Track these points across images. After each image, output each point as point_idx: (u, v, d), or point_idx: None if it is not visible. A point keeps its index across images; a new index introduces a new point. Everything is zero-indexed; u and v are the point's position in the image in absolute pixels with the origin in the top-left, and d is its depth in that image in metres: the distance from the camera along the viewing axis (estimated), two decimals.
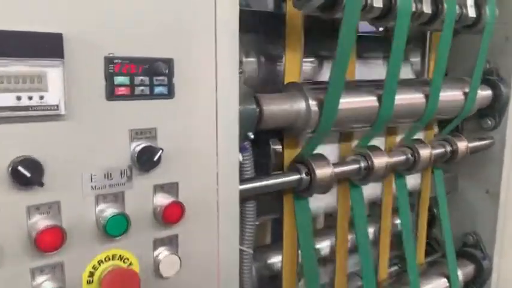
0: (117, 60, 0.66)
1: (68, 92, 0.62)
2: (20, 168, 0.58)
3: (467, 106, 1.25)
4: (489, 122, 1.42)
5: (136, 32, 0.68)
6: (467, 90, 1.26)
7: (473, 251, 1.49)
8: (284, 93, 0.95)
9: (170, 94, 0.72)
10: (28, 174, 0.59)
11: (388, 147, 1.24)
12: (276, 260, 1.16)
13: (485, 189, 1.47)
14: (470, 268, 1.47)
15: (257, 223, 1.05)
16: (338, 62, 0.90)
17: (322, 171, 0.98)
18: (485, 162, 1.46)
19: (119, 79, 0.67)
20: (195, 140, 0.76)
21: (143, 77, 0.69)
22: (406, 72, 1.32)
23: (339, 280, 1.22)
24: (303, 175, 0.98)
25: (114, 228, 0.67)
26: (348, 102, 1.00)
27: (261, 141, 1.04)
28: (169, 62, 0.71)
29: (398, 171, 1.22)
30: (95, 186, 0.67)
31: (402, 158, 1.17)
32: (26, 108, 0.59)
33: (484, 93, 1.35)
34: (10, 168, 0.59)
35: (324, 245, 1.28)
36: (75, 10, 0.62)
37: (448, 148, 1.28)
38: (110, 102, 0.67)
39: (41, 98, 0.60)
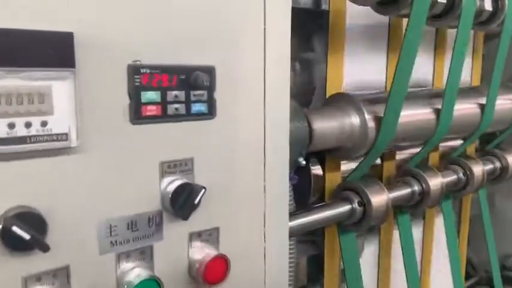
0: (144, 70, 0.49)
1: (81, 114, 0.44)
2: (14, 228, 0.40)
3: None
4: None
5: (168, 32, 0.50)
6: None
7: None
8: (333, 107, 0.79)
9: (211, 113, 0.54)
10: (27, 236, 0.40)
11: (432, 166, 1.08)
12: None
13: None
14: None
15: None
16: (402, 67, 0.74)
17: (377, 199, 0.81)
18: None
19: (147, 95, 0.49)
20: (239, 171, 0.59)
21: (178, 91, 0.51)
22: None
23: None
24: (355, 205, 0.81)
25: None
26: (406, 115, 0.84)
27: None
28: (210, 72, 0.53)
29: (447, 193, 1.06)
30: (116, 242, 0.49)
31: (454, 177, 1.02)
32: (23, 140, 0.41)
33: None
34: (0, 227, 0.41)
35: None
36: (89, 2, 0.45)
37: (497, 164, 1.14)
38: (135, 127, 0.49)
39: (44, 124, 0.42)
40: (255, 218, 0.62)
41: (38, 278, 0.45)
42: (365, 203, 0.80)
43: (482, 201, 1.21)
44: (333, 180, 0.88)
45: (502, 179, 1.15)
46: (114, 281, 0.50)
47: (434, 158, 1.10)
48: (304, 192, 0.87)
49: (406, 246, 0.98)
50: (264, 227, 0.63)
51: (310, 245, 0.93)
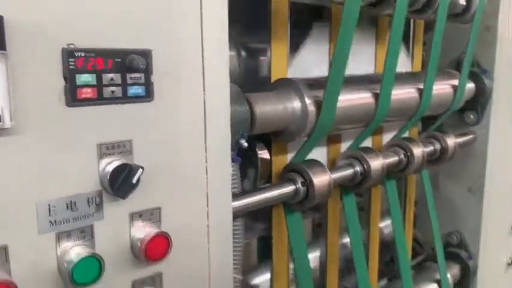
0: (79, 53, 0.50)
1: (16, 97, 0.45)
2: None
3: (457, 100, 1.18)
4: (471, 117, 1.36)
5: (104, 16, 0.52)
6: (454, 83, 1.18)
7: (458, 251, 1.43)
8: (276, 92, 0.82)
9: (149, 95, 0.56)
10: None
11: (375, 148, 1.14)
12: (261, 280, 1.03)
13: (468, 187, 1.41)
14: (456, 269, 1.41)
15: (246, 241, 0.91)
16: (339, 52, 0.78)
17: (320, 179, 0.85)
18: (466, 159, 1.40)
19: (82, 78, 0.50)
20: (180, 153, 0.61)
21: (114, 74, 0.53)
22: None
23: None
24: (299, 185, 0.84)
25: (84, 275, 0.51)
26: (345, 99, 0.88)
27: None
28: (147, 55, 0.55)
29: (389, 173, 1.12)
30: (55, 221, 0.51)
31: (395, 159, 1.07)
32: None
33: (467, 87, 1.28)
34: None
35: (311, 257, 1.16)
36: None
37: (437, 146, 1.20)
38: (71, 109, 0.50)
39: None
40: (197, 198, 0.64)
41: None
42: (308, 183, 0.84)
43: (425, 182, 1.28)
44: (279, 163, 0.91)
45: (442, 160, 1.22)
46: (55, 260, 0.51)
47: (378, 141, 1.15)
48: (251, 177, 0.90)
49: (351, 223, 1.03)
50: (207, 206, 0.66)
51: (261, 226, 0.97)
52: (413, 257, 1.47)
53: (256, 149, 0.90)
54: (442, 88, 1.17)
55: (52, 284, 0.51)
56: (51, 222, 0.50)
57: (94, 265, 0.51)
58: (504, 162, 1.42)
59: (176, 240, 0.60)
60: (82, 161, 0.52)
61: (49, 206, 0.50)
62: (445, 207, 1.46)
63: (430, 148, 1.19)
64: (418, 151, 1.09)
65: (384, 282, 1.32)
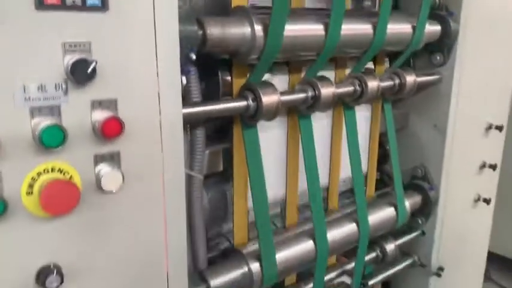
0: None
1: None
2: None
3: (415, 39, 1.28)
4: (438, 58, 1.46)
5: None
6: (415, 24, 1.28)
7: (421, 183, 1.56)
8: (230, 17, 0.95)
9: (104, 6, 0.71)
10: None
11: (338, 79, 1.27)
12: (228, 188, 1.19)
13: (433, 124, 1.53)
14: (417, 198, 1.55)
15: (208, 151, 1.07)
16: None
17: (268, 98, 1.00)
18: (434, 98, 1.52)
19: None
20: (133, 57, 0.76)
21: None
22: None
23: (290, 211, 1.27)
24: (250, 101, 0.99)
25: (50, 139, 0.68)
26: (295, 29, 1.01)
27: (210, 70, 1.05)
28: None
29: (346, 102, 1.25)
30: (29, 98, 0.67)
31: (350, 88, 1.20)
32: None
33: (433, 28, 1.38)
34: None
35: None
36: None
37: (397, 81, 1.32)
38: (40, 13, 0.66)
39: None
40: (149, 95, 0.80)
41: None
42: (257, 100, 0.99)
43: (387, 115, 1.40)
44: (239, 84, 1.06)
45: (400, 94, 1.34)
46: (30, 129, 0.68)
47: (342, 75, 1.28)
48: (215, 95, 1.05)
49: (306, 146, 1.17)
50: (159, 105, 0.81)
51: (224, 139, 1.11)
52: (382, 187, 1.62)
53: (219, 71, 1.05)
54: (402, 27, 1.27)
55: (27, 145, 0.68)
56: (25, 98, 0.67)
57: (58, 133, 0.68)
58: (469, 103, 1.53)
59: (131, 127, 0.77)
60: (50, 55, 0.68)
61: (24, 86, 0.66)
62: (413, 143, 1.59)
63: (389, 82, 1.31)
64: (373, 83, 1.22)
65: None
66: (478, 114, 1.61)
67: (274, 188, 1.22)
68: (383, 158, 1.56)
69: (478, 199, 1.73)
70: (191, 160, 1.01)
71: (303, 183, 1.23)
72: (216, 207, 1.20)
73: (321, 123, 1.29)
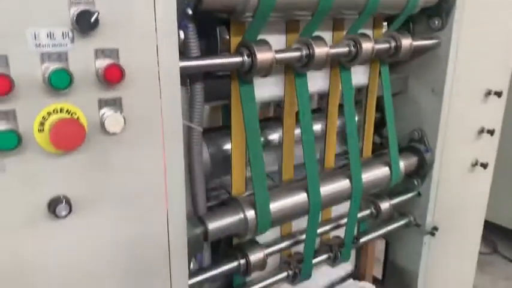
0: None
1: None
2: None
3: (411, 2, 1.32)
4: (436, 23, 1.49)
5: None
6: None
7: (418, 145, 1.62)
8: None
9: None
10: None
11: (335, 41, 1.32)
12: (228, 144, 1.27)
13: (431, 88, 1.57)
14: (413, 160, 1.60)
15: (208, 107, 1.15)
16: None
17: (263, 55, 1.06)
18: (432, 63, 1.56)
19: None
20: (133, 11, 0.83)
21: None
22: None
23: (286, 167, 1.35)
24: (245, 57, 1.06)
25: (58, 81, 0.76)
26: None
27: (210, 29, 1.12)
28: None
29: (342, 63, 1.31)
30: (39, 44, 0.76)
31: (345, 49, 1.25)
32: None
33: None
34: None
35: (274, 136, 1.39)
36: None
37: (393, 44, 1.37)
38: None
39: None
40: (148, 47, 0.87)
41: None
42: (252, 56, 1.06)
43: (384, 77, 1.45)
44: (236, 42, 1.12)
45: (396, 57, 1.39)
46: (40, 72, 0.77)
47: (339, 37, 1.33)
48: (213, 51, 1.12)
49: (302, 104, 1.24)
50: (157, 56, 0.89)
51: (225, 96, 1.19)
52: (381, 148, 1.68)
53: (218, 30, 1.12)
54: None
55: (38, 87, 0.77)
56: (36, 44, 0.75)
57: (65, 76, 0.76)
58: (467, 68, 1.56)
59: (131, 75, 0.85)
60: (57, 7, 0.76)
61: (34, 33, 0.75)
62: (411, 107, 1.65)
63: (385, 45, 1.35)
64: (367, 45, 1.27)
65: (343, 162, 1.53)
66: (476, 80, 1.64)
67: None
68: (383, 121, 1.62)
69: (476, 164, 1.78)
70: (191, 113, 1.09)
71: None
72: (216, 161, 1.29)
73: (318, 84, 1.36)
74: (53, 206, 0.82)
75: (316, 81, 1.33)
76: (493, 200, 1.98)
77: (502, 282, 3.39)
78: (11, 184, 0.79)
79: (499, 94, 1.70)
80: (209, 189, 1.29)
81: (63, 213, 0.82)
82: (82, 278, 0.90)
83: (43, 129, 0.79)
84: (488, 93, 1.69)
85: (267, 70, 1.09)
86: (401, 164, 1.54)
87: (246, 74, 1.09)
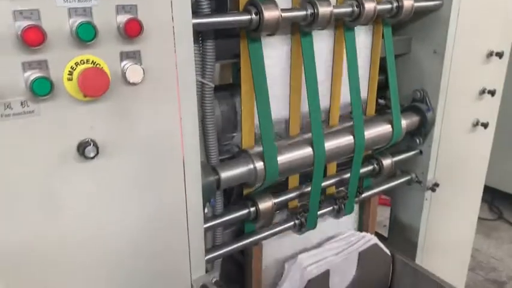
0: None
1: None
2: None
3: None
4: None
5: None
6: None
7: (420, 105, 1.69)
8: None
9: None
10: None
11: (339, 1, 1.38)
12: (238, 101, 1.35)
13: (433, 49, 1.63)
14: (415, 119, 1.68)
15: (219, 64, 1.23)
16: None
17: (270, 13, 1.13)
18: (434, 24, 1.61)
19: None
20: None
21: None
22: None
23: (293, 124, 1.43)
24: (253, 15, 1.13)
25: (85, 34, 0.84)
26: None
27: None
28: None
29: (346, 23, 1.37)
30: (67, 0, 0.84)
31: (348, 9, 1.32)
32: None
33: None
34: None
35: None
36: None
37: (395, 4, 1.42)
38: None
39: None
40: (163, 3, 0.95)
41: (21, 12, 0.80)
42: (260, 14, 1.13)
43: (386, 37, 1.51)
44: (244, 1, 1.19)
45: (398, 17, 1.44)
46: (68, 26, 0.85)
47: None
48: (222, 11, 1.20)
49: (307, 62, 1.31)
50: (172, 12, 0.97)
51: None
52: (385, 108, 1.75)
53: None
54: None
55: (67, 39, 0.85)
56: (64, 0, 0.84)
57: (90, 29, 0.85)
58: (469, 29, 1.61)
59: (149, 29, 0.93)
60: None
61: None
62: (414, 67, 1.71)
63: (387, 5, 1.41)
64: (370, 5, 1.33)
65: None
66: (478, 41, 1.70)
67: (280, 106, 1.38)
68: (387, 84, 1.68)
69: (477, 124, 1.85)
70: (203, 69, 1.18)
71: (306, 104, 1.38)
72: (227, 118, 1.37)
73: (323, 45, 1.43)
74: (82, 148, 0.92)
75: (322, 43, 1.40)
76: (499, 167, 2.05)
77: (506, 245, 3.48)
78: (46, 127, 0.88)
79: (500, 55, 1.75)
80: (221, 145, 1.38)
81: (92, 154, 0.92)
82: (107, 217, 1.01)
83: (72, 78, 0.88)
84: (490, 54, 1.75)
85: (273, 28, 1.16)
86: (403, 122, 1.61)
87: (254, 32, 1.17)
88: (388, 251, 1.68)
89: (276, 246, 1.54)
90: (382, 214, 2.34)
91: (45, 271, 0.97)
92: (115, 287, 1.08)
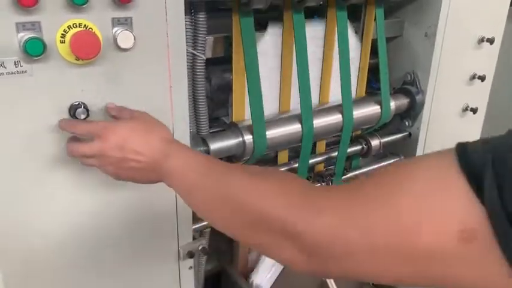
0: None
1: None
2: None
3: None
4: None
5: None
6: None
7: (410, 87, 1.71)
8: None
9: None
10: None
11: None
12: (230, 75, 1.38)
13: (424, 32, 1.66)
14: (405, 101, 1.70)
15: (211, 36, 1.26)
16: None
17: None
18: (426, 7, 1.63)
19: None
20: None
21: None
22: None
23: (283, 100, 1.46)
24: None
25: None
26: None
27: None
28: None
29: (338, 1, 1.40)
30: None
31: None
32: None
33: None
34: None
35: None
36: None
37: None
38: None
39: None
40: None
41: None
42: None
43: (378, 19, 1.54)
44: None
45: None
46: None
47: None
48: None
49: (298, 39, 1.34)
50: None
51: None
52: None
53: None
54: None
55: (61, 4, 0.88)
56: None
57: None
58: (460, 14, 1.64)
59: None
60: None
61: None
62: (406, 50, 1.73)
63: None
64: None
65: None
66: (470, 26, 1.72)
67: (272, 85, 1.41)
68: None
69: (466, 109, 1.88)
70: (195, 41, 1.20)
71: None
72: (218, 92, 1.40)
73: (315, 29, 1.45)
74: (73, 109, 0.95)
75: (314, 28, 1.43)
76: None
77: None
78: (38, 88, 0.91)
79: (491, 41, 1.77)
80: (212, 119, 1.41)
81: (82, 116, 0.95)
82: (97, 177, 1.04)
83: (64, 41, 0.90)
84: (481, 40, 1.77)
85: (264, 4, 1.18)
86: (392, 104, 1.64)
87: (245, 6, 1.19)
88: None
89: None
90: None
91: (38, 244, 1.01)
92: (102, 253, 1.12)
